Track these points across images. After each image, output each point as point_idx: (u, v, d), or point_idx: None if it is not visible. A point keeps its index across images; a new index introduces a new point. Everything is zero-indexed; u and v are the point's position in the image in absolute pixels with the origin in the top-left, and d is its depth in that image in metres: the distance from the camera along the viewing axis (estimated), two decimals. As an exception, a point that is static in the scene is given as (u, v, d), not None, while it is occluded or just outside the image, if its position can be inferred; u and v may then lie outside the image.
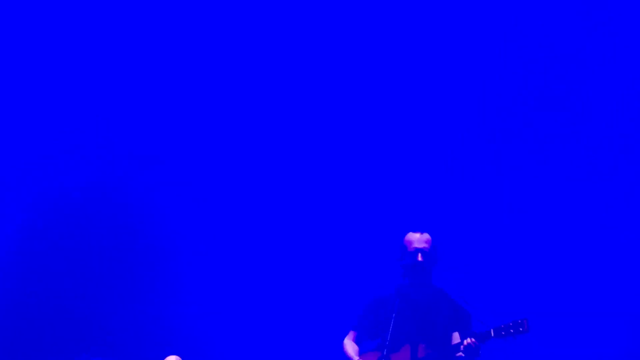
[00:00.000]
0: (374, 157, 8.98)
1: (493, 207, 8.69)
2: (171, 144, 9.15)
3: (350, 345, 6.01)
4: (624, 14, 8.23)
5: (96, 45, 8.94)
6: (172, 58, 9.08)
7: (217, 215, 9.22)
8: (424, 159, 8.81)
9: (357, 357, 5.88)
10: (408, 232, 6.01)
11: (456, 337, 5.76)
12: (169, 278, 9.04)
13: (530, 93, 8.63)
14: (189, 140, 9.20)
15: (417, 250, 5.84)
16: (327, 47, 8.95)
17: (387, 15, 8.85)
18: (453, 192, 8.68)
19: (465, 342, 5.49)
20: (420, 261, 5.79)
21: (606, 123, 8.39)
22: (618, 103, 8.35)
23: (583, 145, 8.56)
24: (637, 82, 8.19)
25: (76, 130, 8.99)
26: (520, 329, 5.49)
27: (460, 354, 5.57)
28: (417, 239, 5.90)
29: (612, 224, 8.38)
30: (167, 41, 9.05)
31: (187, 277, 9.06)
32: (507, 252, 8.71)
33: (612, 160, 8.40)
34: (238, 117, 9.18)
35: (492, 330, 5.54)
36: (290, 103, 9.18)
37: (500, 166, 8.75)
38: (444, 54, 8.77)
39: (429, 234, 5.97)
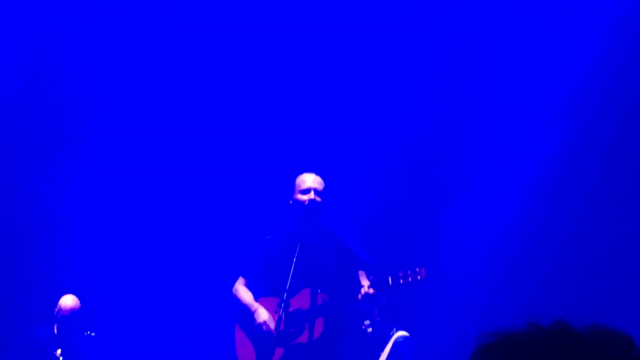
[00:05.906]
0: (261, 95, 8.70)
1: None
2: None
3: (244, 292, 5.93)
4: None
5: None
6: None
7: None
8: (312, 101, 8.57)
9: (256, 303, 5.80)
10: (298, 174, 5.93)
11: (362, 277, 5.76)
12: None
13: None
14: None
15: (311, 189, 5.81)
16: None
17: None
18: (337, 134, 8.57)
19: (362, 291, 5.54)
20: (316, 200, 5.76)
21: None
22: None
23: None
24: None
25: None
26: (419, 277, 5.58)
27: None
28: (312, 179, 5.88)
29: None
30: None
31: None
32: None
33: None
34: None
35: (389, 278, 5.62)
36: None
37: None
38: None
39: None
